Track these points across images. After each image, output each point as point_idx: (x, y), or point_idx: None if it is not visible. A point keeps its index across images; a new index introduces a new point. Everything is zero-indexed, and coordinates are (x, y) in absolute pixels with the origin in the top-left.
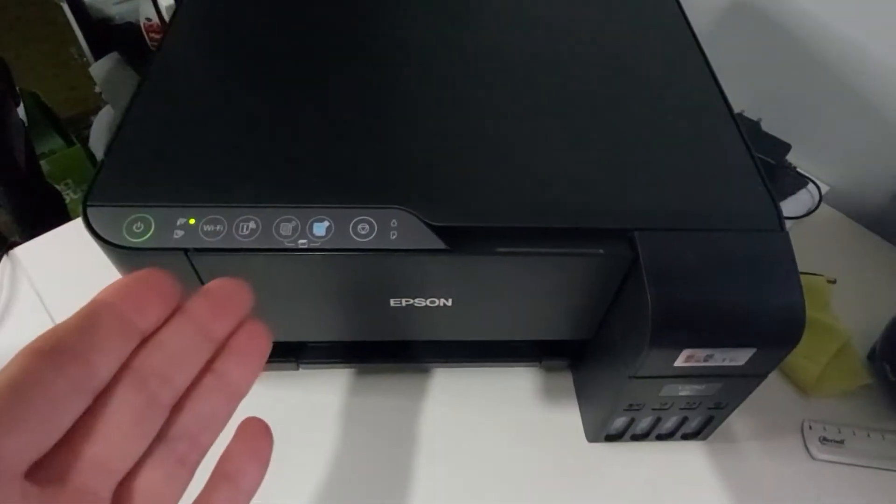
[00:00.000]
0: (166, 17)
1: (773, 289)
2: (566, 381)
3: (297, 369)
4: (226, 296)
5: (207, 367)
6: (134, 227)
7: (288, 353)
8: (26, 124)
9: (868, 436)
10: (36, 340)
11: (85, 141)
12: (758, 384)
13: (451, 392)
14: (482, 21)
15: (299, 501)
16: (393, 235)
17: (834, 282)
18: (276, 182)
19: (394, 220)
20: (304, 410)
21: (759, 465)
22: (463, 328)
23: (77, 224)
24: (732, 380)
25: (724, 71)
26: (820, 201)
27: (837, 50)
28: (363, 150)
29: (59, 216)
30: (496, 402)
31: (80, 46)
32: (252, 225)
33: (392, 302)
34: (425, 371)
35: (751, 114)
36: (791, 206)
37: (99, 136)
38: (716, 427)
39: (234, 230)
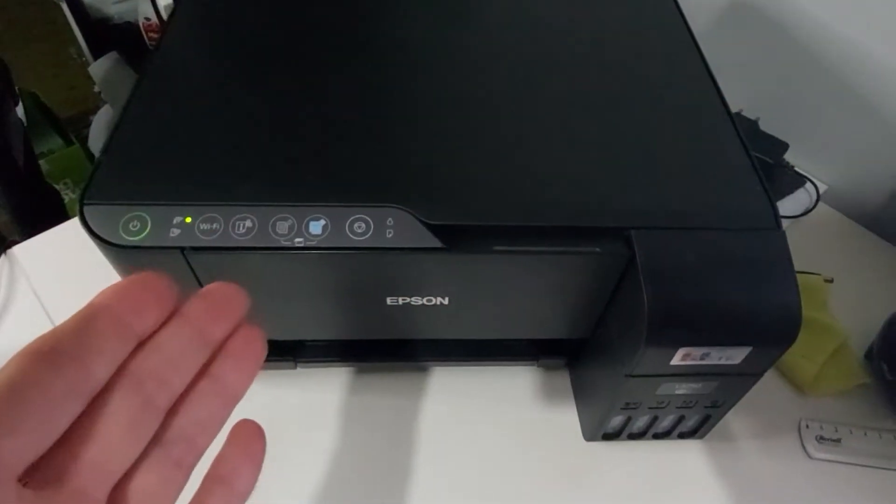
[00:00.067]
0: (165, 17)
1: (770, 287)
2: (563, 380)
3: (295, 368)
4: (222, 300)
5: (204, 370)
6: (130, 226)
7: (286, 352)
8: (25, 124)
9: (865, 435)
10: (34, 342)
11: (84, 140)
12: (754, 383)
13: (448, 391)
14: (478, 20)
15: (297, 501)
16: (389, 234)
17: (831, 281)
18: (272, 180)
19: (390, 219)
20: (302, 409)
21: (756, 464)
22: (460, 327)
23: (75, 223)
24: (729, 378)
25: (722, 70)
26: (818, 200)
27: (836, 50)
28: (360, 148)
29: (57, 216)
30: (493, 401)
31: (79, 46)
32: (248, 223)
33: (389, 300)
34: (423, 370)
35: (749, 113)
36: (789, 205)
37: (98, 135)
38: (712, 426)
39: (230, 229)
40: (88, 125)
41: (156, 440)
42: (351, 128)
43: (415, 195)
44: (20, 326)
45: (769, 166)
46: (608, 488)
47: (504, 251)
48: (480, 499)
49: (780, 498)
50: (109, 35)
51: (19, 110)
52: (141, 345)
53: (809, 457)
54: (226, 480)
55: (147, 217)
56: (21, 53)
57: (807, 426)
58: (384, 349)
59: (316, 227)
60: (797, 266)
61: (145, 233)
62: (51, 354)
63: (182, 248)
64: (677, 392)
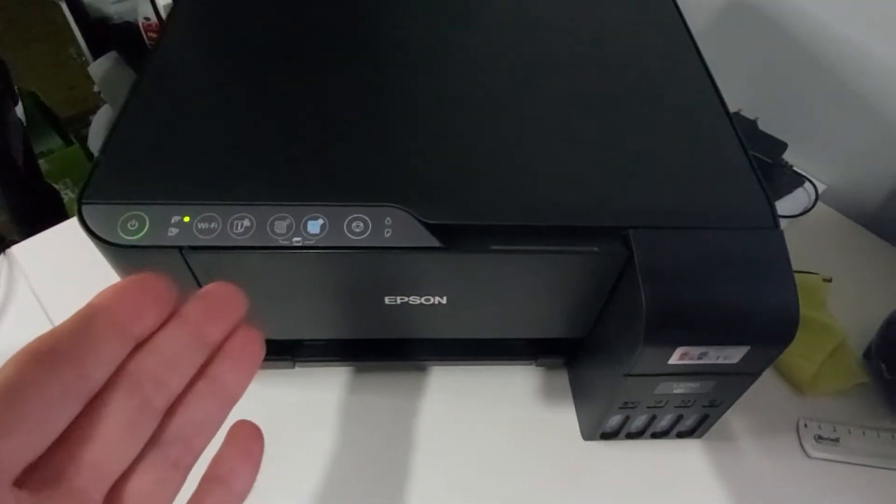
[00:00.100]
0: (164, 16)
1: (767, 287)
2: (562, 379)
3: (294, 367)
4: (221, 301)
5: (201, 371)
6: (128, 225)
7: (284, 351)
8: (25, 124)
9: (863, 434)
10: (31, 343)
11: (84, 140)
12: (752, 382)
13: (446, 390)
14: (477, 20)
15: (295, 500)
16: (387, 233)
17: (830, 280)
18: (270, 180)
19: (388, 218)
20: (301, 408)
21: (755, 464)
22: (458, 326)
23: (74, 223)
24: (726, 378)
25: (722, 70)
26: (816, 200)
27: (835, 49)
28: (358, 148)
29: (57, 215)
30: (492, 400)
31: (78, 46)
32: (246, 222)
33: (387, 300)
34: (421, 369)
35: (748, 113)
36: (787, 204)
37: (97, 135)
38: (711, 425)
39: (228, 228)
40: (88, 125)
41: (153, 441)
42: (349, 127)
43: (413, 195)
44: (19, 326)
45: (768, 166)
46: (606, 487)
47: (502, 250)
48: (478, 498)
49: (778, 497)
50: (109, 35)
51: (19, 110)
52: (139, 346)
53: (808, 456)
54: (224, 481)
55: (145, 216)
56: (21, 53)
57: (805, 425)
58: (383, 348)
59: (314, 227)
60: (796, 265)
61: (143, 232)
62: (48, 356)
63: (180, 248)
64: (675, 391)
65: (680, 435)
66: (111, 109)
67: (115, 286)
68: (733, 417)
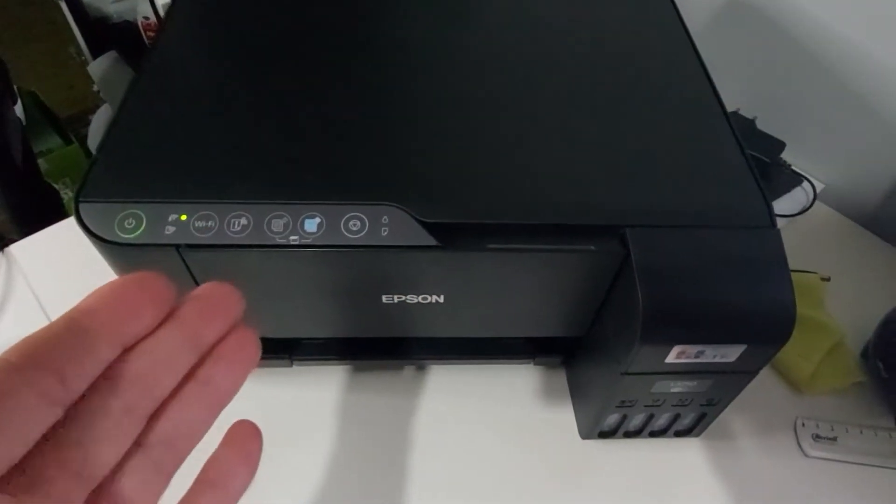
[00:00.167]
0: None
1: (764, 285)
2: (559, 378)
3: (291, 366)
4: (216, 301)
5: (192, 372)
6: (125, 223)
7: (281, 350)
8: (24, 123)
9: (861, 433)
10: (8, 351)
11: (83, 140)
12: (749, 381)
13: (444, 389)
14: (473, 20)
15: (293, 499)
16: (384, 232)
17: (828, 279)
18: (268, 178)
19: (385, 217)
20: (298, 407)
21: (752, 462)
22: (455, 325)
23: (73, 221)
24: (724, 376)
25: (720, 70)
26: (814, 199)
27: (834, 49)
28: (355, 146)
29: (57, 215)
30: (489, 399)
31: (78, 45)
32: (244, 221)
33: (384, 298)
34: (419, 368)
35: (746, 112)
36: (786, 203)
37: (97, 134)
38: (708, 424)
39: (225, 226)
40: (87, 124)
41: (138, 444)
42: (346, 126)
43: (410, 193)
44: (18, 325)
45: (766, 165)
46: (604, 486)
47: (499, 249)
48: (475, 496)
49: (775, 496)
50: (108, 34)
51: (18, 109)
52: (131, 347)
53: (805, 455)
54: (220, 481)
55: (142, 214)
56: (21, 53)
57: (803, 424)
58: (380, 347)
59: (311, 225)
60: (794, 265)
61: (140, 230)
62: (27, 362)
63: (177, 246)
64: (673, 390)
65: (678, 434)
66: (110, 109)
67: (107, 287)
68: (731, 416)
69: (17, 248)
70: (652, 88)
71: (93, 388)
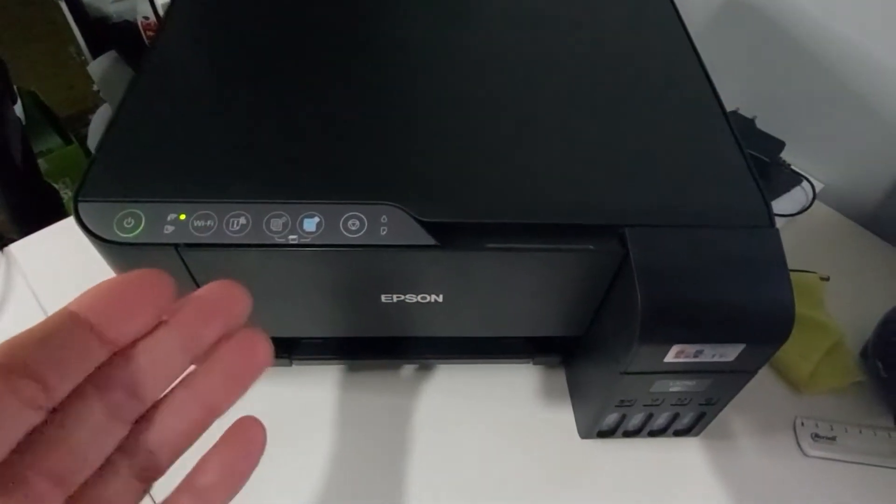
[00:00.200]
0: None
1: (763, 285)
2: (559, 377)
3: (291, 365)
4: (217, 301)
5: (189, 377)
6: (124, 223)
7: (281, 350)
8: (24, 123)
9: (860, 432)
10: None
11: (83, 139)
12: (748, 380)
13: (443, 389)
14: (474, 19)
15: (292, 499)
16: (383, 231)
17: (827, 279)
18: (267, 178)
19: (384, 216)
20: (297, 407)
21: (752, 462)
22: (455, 324)
23: (72, 221)
24: (722, 376)
25: (720, 69)
26: (814, 199)
27: (833, 48)
28: (354, 146)
29: (56, 214)
30: (489, 398)
31: (78, 45)
32: (242, 220)
33: (383, 298)
34: (418, 368)
35: (746, 112)
36: (785, 203)
37: (97, 134)
38: (707, 423)
39: (224, 225)
40: (87, 124)
41: (120, 449)
42: (345, 125)
43: (409, 193)
44: (17, 324)
45: (765, 164)
46: (603, 486)
47: (498, 249)
48: (475, 496)
49: (775, 495)
50: (108, 34)
51: (18, 109)
52: (122, 350)
53: (804, 454)
54: (212, 484)
55: (141, 214)
56: (20, 53)
57: (802, 424)
58: (379, 346)
59: (310, 225)
60: (793, 264)
61: (139, 229)
62: (10, 366)
63: (176, 245)
64: (672, 389)
65: (677, 433)
66: (110, 108)
67: (103, 285)
68: (730, 416)
69: (17, 248)
70: (651, 88)
71: (77, 390)
